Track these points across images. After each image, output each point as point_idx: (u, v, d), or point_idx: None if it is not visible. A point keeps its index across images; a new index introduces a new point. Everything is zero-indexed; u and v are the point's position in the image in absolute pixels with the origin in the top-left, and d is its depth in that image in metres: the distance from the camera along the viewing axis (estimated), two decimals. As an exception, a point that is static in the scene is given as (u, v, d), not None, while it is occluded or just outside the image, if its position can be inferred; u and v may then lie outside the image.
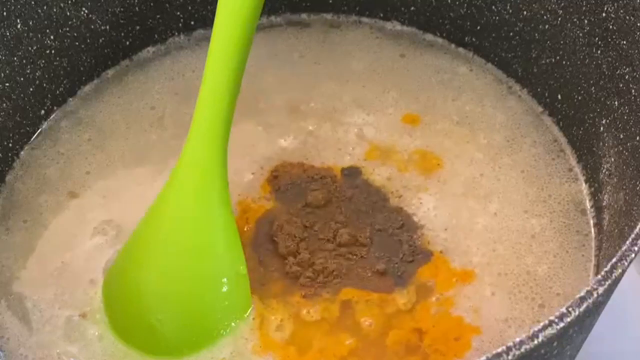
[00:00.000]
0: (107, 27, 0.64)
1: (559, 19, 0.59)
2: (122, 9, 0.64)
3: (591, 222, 0.57)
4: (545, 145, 0.60)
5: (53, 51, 0.61)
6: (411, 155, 0.60)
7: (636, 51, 0.53)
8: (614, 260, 0.43)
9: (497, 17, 0.63)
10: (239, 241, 0.54)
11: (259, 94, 0.63)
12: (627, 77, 0.53)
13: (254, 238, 0.56)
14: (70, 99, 0.63)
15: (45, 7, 0.60)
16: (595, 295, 0.41)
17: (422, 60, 0.65)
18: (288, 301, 0.53)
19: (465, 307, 0.53)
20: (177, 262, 0.53)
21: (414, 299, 0.53)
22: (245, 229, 0.56)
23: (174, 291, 0.52)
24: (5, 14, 0.57)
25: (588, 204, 0.57)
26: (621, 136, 0.54)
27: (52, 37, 0.61)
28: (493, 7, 0.62)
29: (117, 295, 0.54)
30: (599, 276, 0.42)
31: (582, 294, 0.41)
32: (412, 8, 0.66)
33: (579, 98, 0.58)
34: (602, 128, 0.56)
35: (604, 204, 0.55)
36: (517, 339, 0.40)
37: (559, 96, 0.60)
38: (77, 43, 0.62)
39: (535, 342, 0.40)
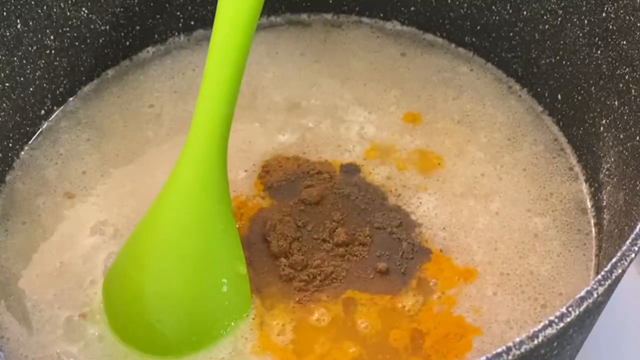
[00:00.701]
0: (107, 27, 0.64)
1: (559, 19, 0.59)
2: (122, 9, 0.64)
3: (592, 221, 0.57)
4: (546, 144, 0.60)
5: (53, 51, 0.61)
6: (411, 154, 0.60)
7: (636, 51, 0.53)
8: (614, 260, 0.43)
9: (497, 17, 0.63)
10: (239, 241, 0.54)
11: (257, 91, 0.63)
12: (627, 77, 0.53)
13: (246, 237, 0.56)
14: (70, 99, 0.63)
15: (45, 7, 0.60)
16: (595, 295, 0.41)
17: (423, 59, 0.65)
18: (285, 305, 0.53)
19: (466, 307, 0.53)
20: (177, 262, 0.53)
21: (420, 300, 0.53)
22: (237, 226, 0.56)
23: (174, 291, 0.52)
24: (5, 14, 0.57)
25: (588, 204, 0.57)
26: (621, 136, 0.54)
27: (52, 37, 0.61)
28: (493, 7, 0.62)
29: (117, 295, 0.54)
30: (599, 276, 0.42)
31: (582, 294, 0.41)
32: (412, 8, 0.66)
33: (579, 98, 0.58)
34: (602, 128, 0.56)
35: (604, 203, 0.55)
36: (517, 339, 0.40)
37: (559, 96, 0.60)
38: (77, 43, 0.62)
39: (535, 342, 0.40)
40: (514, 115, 0.62)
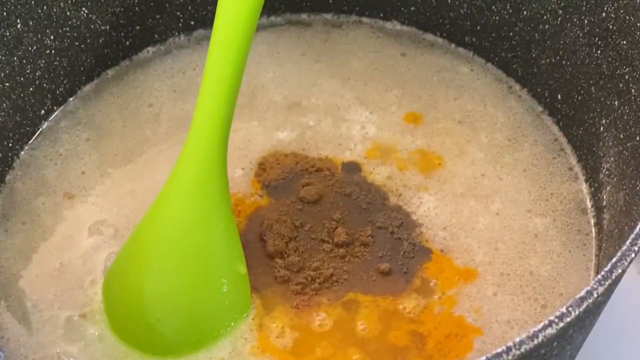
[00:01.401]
0: (107, 27, 0.64)
1: (559, 19, 0.59)
2: (122, 9, 0.64)
3: (592, 221, 0.56)
4: (546, 144, 0.60)
5: (53, 51, 0.61)
6: (412, 154, 0.60)
7: (636, 51, 0.53)
8: (614, 260, 0.43)
9: (497, 17, 0.63)
10: (239, 241, 0.54)
11: (257, 90, 0.63)
12: (627, 77, 0.53)
13: (244, 235, 0.55)
14: (70, 99, 0.63)
15: (45, 7, 0.60)
16: (595, 295, 0.41)
17: (423, 59, 0.65)
18: (284, 308, 0.53)
19: (466, 307, 0.53)
20: (177, 262, 0.53)
21: (421, 301, 0.53)
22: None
23: (174, 291, 0.52)
24: (5, 14, 0.57)
25: (588, 204, 0.57)
26: (621, 136, 0.54)
27: (52, 37, 0.61)
28: (493, 7, 0.62)
29: (117, 295, 0.54)
30: (599, 276, 0.42)
31: (582, 294, 0.41)
32: (412, 8, 0.66)
33: (579, 98, 0.58)
34: (602, 128, 0.56)
35: (604, 203, 0.55)
36: (517, 339, 0.40)
37: (559, 96, 0.60)
38: (77, 43, 0.62)
39: (535, 342, 0.40)
40: (514, 116, 0.62)
